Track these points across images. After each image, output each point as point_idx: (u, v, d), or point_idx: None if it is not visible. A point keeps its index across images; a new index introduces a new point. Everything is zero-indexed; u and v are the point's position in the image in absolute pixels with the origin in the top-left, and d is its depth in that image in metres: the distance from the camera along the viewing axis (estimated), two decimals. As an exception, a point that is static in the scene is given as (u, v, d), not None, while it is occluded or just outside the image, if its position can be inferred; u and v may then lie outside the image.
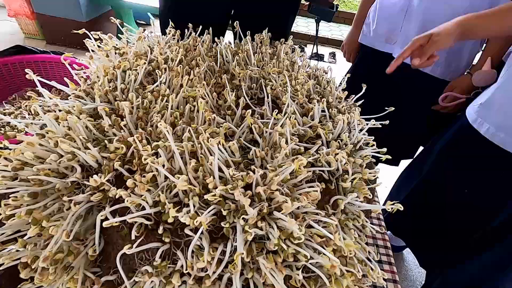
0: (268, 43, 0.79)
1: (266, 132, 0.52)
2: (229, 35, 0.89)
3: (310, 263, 0.40)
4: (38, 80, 0.53)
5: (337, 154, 0.50)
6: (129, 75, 0.57)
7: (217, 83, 0.64)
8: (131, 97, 0.51)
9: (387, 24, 1.10)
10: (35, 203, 0.39)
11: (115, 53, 0.62)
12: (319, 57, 3.38)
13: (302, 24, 4.36)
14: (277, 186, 0.42)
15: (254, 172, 0.47)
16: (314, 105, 0.58)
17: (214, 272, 0.37)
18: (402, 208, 0.47)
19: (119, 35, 0.72)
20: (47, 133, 0.44)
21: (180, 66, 0.60)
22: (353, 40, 1.30)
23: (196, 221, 0.35)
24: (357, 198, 0.48)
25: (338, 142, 0.55)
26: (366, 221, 0.51)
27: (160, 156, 0.43)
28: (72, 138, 0.43)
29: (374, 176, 0.53)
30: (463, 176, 0.88)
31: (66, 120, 0.46)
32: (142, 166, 0.44)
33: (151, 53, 0.63)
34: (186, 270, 0.37)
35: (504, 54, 0.99)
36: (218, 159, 0.43)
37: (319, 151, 0.52)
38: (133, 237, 0.38)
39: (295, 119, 0.55)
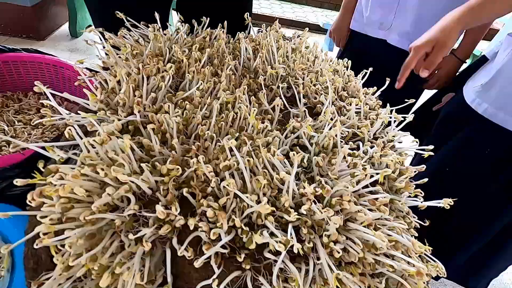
0: (282, 36, 0.75)
1: (317, 136, 0.49)
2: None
3: (387, 270, 0.40)
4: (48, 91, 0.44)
5: (387, 155, 0.50)
6: (153, 79, 0.50)
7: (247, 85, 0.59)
8: (167, 108, 0.46)
9: (381, 10, 1.10)
10: (94, 246, 0.33)
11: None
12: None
13: (266, 6, 4.30)
14: (349, 197, 0.41)
15: (313, 182, 0.46)
16: (351, 104, 0.57)
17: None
18: (452, 203, 0.49)
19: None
20: (86, 159, 0.37)
21: (207, 67, 0.54)
22: (343, 26, 1.29)
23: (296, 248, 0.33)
24: (414, 198, 0.49)
25: (378, 140, 0.55)
26: (414, 217, 0.53)
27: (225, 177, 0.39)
28: (122, 164, 0.37)
29: (415, 173, 0.54)
30: (457, 155, 0.88)
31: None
32: (203, 188, 0.40)
33: (169, 53, 0.56)
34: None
35: (482, 35, 1.06)
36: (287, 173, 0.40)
37: (365, 152, 0.52)
38: (215, 269, 0.34)
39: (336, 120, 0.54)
